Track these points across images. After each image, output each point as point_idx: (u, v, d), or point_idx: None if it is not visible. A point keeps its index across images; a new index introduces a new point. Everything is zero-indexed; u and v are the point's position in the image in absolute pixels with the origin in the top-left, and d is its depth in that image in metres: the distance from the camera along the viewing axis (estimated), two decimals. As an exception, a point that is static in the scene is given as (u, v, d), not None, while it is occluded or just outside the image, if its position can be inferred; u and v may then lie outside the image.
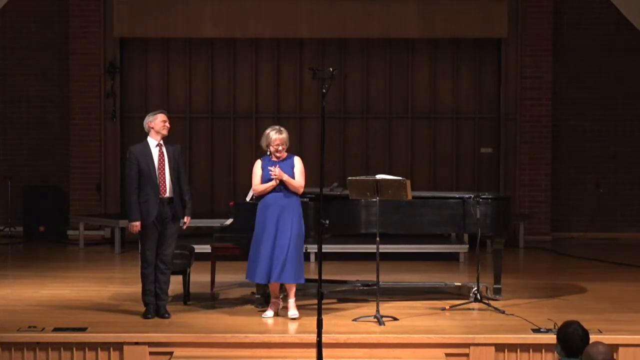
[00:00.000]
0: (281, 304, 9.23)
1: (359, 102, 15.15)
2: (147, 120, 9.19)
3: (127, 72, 15.04)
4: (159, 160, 9.05)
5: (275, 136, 9.04)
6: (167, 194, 9.04)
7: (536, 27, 14.71)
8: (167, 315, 9.06)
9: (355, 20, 14.64)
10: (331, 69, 7.94)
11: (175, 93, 15.11)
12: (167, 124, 9.17)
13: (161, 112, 9.23)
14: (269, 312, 9.15)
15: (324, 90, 7.92)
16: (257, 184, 9.11)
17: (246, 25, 14.67)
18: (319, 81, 8.03)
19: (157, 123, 9.12)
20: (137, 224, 8.97)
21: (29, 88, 15.03)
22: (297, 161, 9.14)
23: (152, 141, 9.12)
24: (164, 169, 9.04)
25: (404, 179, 9.16)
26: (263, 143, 9.16)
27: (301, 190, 9.10)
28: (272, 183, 9.01)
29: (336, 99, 14.96)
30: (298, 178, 9.06)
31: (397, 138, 15.15)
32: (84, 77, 14.70)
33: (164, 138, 9.15)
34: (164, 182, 9.03)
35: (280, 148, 9.07)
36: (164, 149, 9.10)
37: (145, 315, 9.03)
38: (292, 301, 9.12)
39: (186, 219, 9.22)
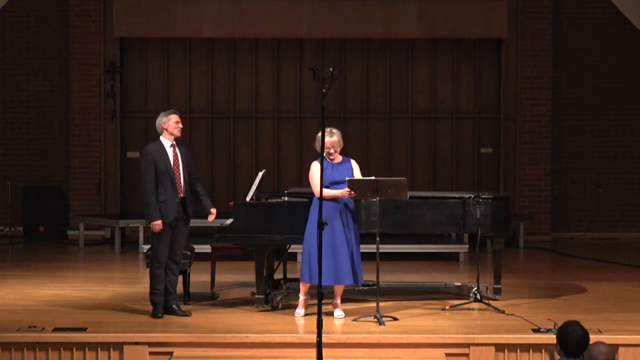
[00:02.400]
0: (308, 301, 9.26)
1: (359, 102, 15.15)
2: (160, 120, 9.13)
3: (127, 72, 15.04)
4: (174, 160, 9.06)
5: (325, 139, 8.84)
6: (182, 194, 9.08)
7: (536, 27, 14.71)
8: (188, 313, 9.12)
9: (355, 20, 14.64)
10: (331, 69, 7.94)
11: (175, 93, 15.11)
12: (180, 125, 9.16)
13: (174, 113, 9.18)
14: (302, 310, 9.16)
15: (324, 90, 7.91)
16: (318, 188, 8.96)
17: (246, 25, 14.67)
18: (319, 81, 8.03)
19: (171, 125, 9.10)
20: (159, 222, 8.97)
21: (29, 88, 15.03)
22: (355, 165, 9.14)
23: (166, 141, 9.11)
24: (179, 169, 9.06)
25: (403, 178, 9.17)
26: (317, 146, 8.97)
27: None
28: (342, 192, 8.96)
29: (336, 99, 14.96)
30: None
31: (397, 138, 15.14)
32: (84, 77, 14.69)
33: (176, 139, 9.15)
34: (180, 182, 9.06)
35: (331, 151, 9.04)
36: (177, 150, 9.11)
37: (155, 315, 9.05)
38: (338, 301, 9.16)
39: (213, 211, 9.25)
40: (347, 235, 9.02)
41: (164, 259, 9.11)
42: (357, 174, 9.15)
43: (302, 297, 9.21)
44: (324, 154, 8.91)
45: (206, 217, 9.38)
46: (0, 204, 14.96)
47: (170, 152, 9.09)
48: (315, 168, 9.03)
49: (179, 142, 9.18)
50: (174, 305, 9.16)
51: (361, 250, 10.80)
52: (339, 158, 9.13)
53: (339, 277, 9.01)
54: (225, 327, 8.68)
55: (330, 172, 9.00)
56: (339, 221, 8.96)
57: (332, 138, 9.01)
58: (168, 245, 9.12)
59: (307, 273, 9.00)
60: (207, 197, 9.37)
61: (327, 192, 8.84)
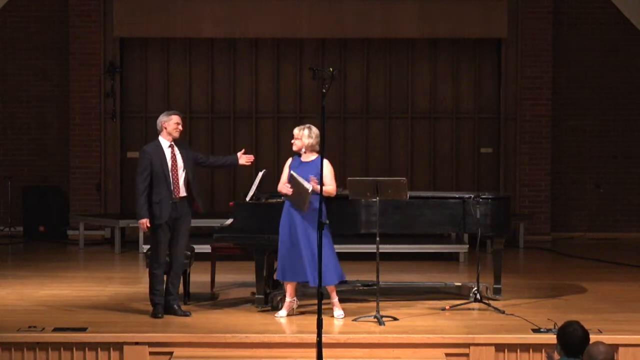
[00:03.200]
0: (296, 304, 9.23)
1: (359, 102, 15.15)
2: (161, 119, 9.17)
3: (127, 72, 15.04)
4: (172, 161, 9.07)
5: (293, 131, 9.12)
6: (180, 194, 9.08)
7: (536, 27, 14.71)
8: (188, 313, 9.13)
9: (355, 20, 14.64)
10: (331, 69, 7.95)
11: (175, 93, 15.11)
12: (180, 127, 9.18)
13: (176, 114, 9.23)
14: (283, 312, 9.15)
15: (324, 90, 7.92)
16: (281, 184, 9.14)
17: (246, 25, 14.66)
18: (319, 81, 8.04)
19: (170, 124, 9.13)
20: (144, 220, 9.01)
21: (29, 88, 15.03)
22: (327, 164, 9.02)
23: (164, 141, 9.13)
24: (176, 170, 9.07)
25: (403, 178, 9.18)
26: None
27: (334, 193, 9.04)
28: (285, 192, 8.99)
29: (336, 99, 14.96)
30: (328, 182, 8.95)
31: (397, 138, 15.14)
32: (84, 77, 14.69)
33: (175, 139, 9.16)
34: (177, 182, 9.07)
35: (291, 141, 9.11)
36: (176, 150, 9.12)
37: (155, 315, 9.06)
38: (335, 301, 9.13)
39: (239, 154, 9.46)
40: (304, 234, 8.96)
41: (163, 259, 9.13)
42: (326, 174, 8.90)
43: (288, 298, 9.19)
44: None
45: (205, 218, 9.41)
46: (0, 204, 14.96)
47: (168, 152, 9.10)
48: (285, 165, 9.21)
49: (178, 142, 9.19)
50: (175, 305, 9.16)
51: (361, 250, 10.81)
52: (311, 156, 9.10)
53: (296, 275, 9.03)
54: (225, 327, 8.68)
55: (295, 169, 9.05)
56: (299, 218, 8.98)
57: (296, 131, 9.09)
58: (167, 246, 9.13)
59: (279, 269, 9.12)
60: (224, 157, 9.76)
61: (281, 188, 9.08)
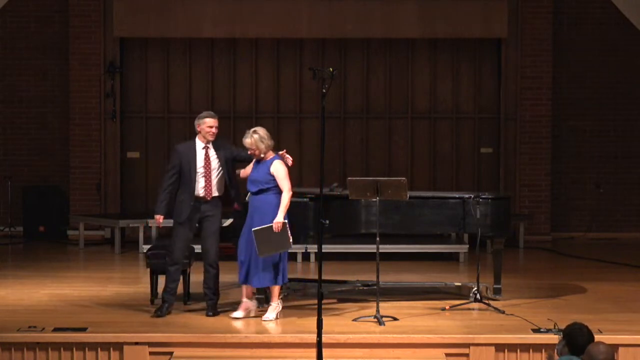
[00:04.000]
0: (252, 307, 9.15)
1: (359, 102, 15.15)
2: (196, 121, 9.23)
3: (127, 72, 15.04)
4: (205, 162, 9.06)
5: (244, 142, 9.07)
6: (212, 194, 9.08)
7: (536, 27, 14.71)
8: (210, 314, 9.12)
9: (355, 20, 14.64)
10: (331, 69, 7.95)
11: (175, 93, 15.10)
12: (214, 130, 9.15)
13: (209, 117, 9.20)
14: (239, 313, 9.06)
15: (324, 90, 7.93)
16: (243, 171, 9.31)
17: (246, 25, 14.66)
18: (319, 81, 8.04)
19: (203, 128, 9.15)
20: (158, 217, 9.12)
21: (29, 88, 15.02)
22: (275, 166, 8.98)
23: (199, 143, 9.15)
24: (209, 171, 9.05)
25: (403, 178, 9.18)
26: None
27: (290, 193, 8.93)
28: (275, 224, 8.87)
29: (336, 99, 14.96)
30: (282, 185, 8.94)
31: (397, 138, 15.14)
32: (84, 77, 14.69)
33: (211, 141, 9.14)
34: (210, 183, 9.08)
35: (248, 153, 9.12)
36: (210, 152, 9.12)
37: (158, 310, 9.07)
38: (272, 304, 9.06)
39: (282, 153, 9.19)
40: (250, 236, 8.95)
41: (179, 257, 9.16)
42: (279, 178, 8.93)
43: (243, 299, 9.13)
44: None
45: None
46: (0, 204, 14.96)
47: (201, 154, 9.10)
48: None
49: (217, 143, 9.16)
50: (208, 304, 9.16)
51: (361, 250, 10.80)
52: (269, 155, 9.08)
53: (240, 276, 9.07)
54: (225, 327, 8.68)
55: (252, 169, 9.11)
56: (249, 219, 9.00)
57: (246, 139, 9.05)
58: (186, 244, 9.19)
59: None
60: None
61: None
